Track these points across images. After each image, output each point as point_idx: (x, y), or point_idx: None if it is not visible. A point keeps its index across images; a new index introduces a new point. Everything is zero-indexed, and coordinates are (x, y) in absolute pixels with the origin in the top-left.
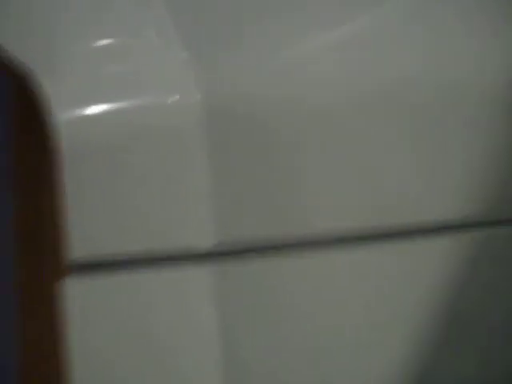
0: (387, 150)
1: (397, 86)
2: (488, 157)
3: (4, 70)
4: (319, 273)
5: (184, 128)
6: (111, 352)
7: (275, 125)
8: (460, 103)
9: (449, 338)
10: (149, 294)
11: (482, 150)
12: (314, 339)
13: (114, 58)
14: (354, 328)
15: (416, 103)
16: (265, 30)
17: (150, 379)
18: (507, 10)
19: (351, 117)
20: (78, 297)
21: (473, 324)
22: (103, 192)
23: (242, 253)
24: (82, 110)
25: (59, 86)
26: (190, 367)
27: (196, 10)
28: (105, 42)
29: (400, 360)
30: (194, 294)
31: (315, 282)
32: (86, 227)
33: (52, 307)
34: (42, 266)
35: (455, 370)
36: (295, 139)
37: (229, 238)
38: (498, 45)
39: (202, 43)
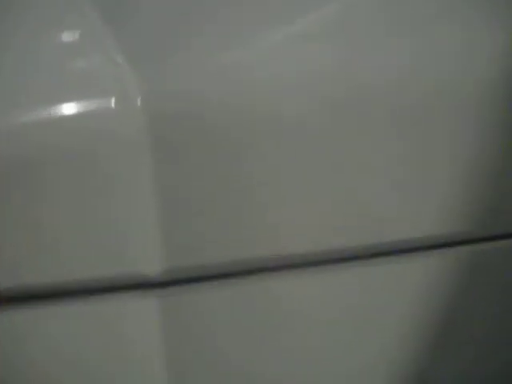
0: (361, 161)
1: (367, 88)
2: (474, 170)
3: None
4: (277, 299)
5: (124, 135)
6: None
7: (221, 128)
8: (445, 105)
9: (434, 352)
10: (85, 329)
11: (467, 162)
12: (267, 365)
13: (45, 60)
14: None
15: (388, 107)
16: (205, 28)
17: None
18: (490, 7)
19: (308, 121)
20: (6, 329)
21: (459, 336)
22: (30, 212)
23: (193, 281)
24: (2, 117)
25: None
26: None
27: (128, 11)
28: (35, 43)
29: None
30: (136, 326)
31: (272, 310)
32: (9, 254)
33: None
34: None
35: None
36: (245, 143)
37: (177, 264)
38: (484, 42)
39: (138, 46)
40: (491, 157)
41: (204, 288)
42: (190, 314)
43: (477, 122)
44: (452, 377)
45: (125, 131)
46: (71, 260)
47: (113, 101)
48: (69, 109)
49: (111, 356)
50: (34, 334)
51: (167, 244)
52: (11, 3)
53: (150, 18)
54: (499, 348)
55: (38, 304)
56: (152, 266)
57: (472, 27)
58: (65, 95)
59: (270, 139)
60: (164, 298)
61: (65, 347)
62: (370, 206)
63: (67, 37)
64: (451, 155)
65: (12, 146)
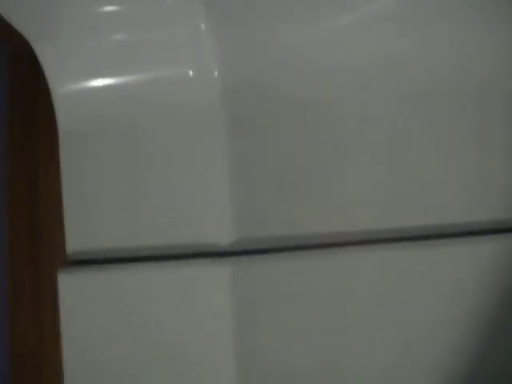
0: (420, 149)
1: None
2: None
3: (3, 39)
4: (339, 272)
5: (201, 105)
6: (104, 349)
7: (297, 103)
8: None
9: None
10: (159, 292)
11: None
12: (331, 339)
13: (121, 26)
14: (371, 327)
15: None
16: (279, 7)
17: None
18: None
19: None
20: (81, 291)
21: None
22: (107, 179)
23: (261, 252)
24: (84, 83)
25: (59, 56)
26: (202, 367)
27: None
28: (112, 7)
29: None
30: (208, 293)
31: (334, 282)
32: (87, 219)
33: (50, 300)
34: (39, 260)
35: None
36: (321, 117)
37: (247, 235)
38: None
39: (219, 16)
40: None
41: (272, 259)
42: (259, 284)
43: None
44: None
45: (201, 101)
46: (147, 227)
47: (191, 71)
48: (147, 76)
49: (182, 319)
50: (105, 297)
51: (238, 216)
52: None
53: None
54: None
55: (110, 268)
56: (223, 236)
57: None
58: (143, 62)
59: (342, 118)
60: (234, 267)
61: (138, 310)
62: (434, 187)
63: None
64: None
65: (98, 110)
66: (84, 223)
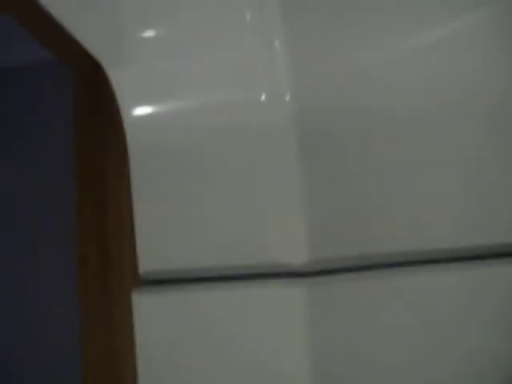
0: (486, 165)
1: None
2: None
3: (76, 62)
4: (409, 292)
5: (272, 130)
6: (183, 368)
7: (368, 124)
8: None
9: None
10: (231, 311)
11: None
12: (400, 354)
13: (192, 50)
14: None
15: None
16: (352, 34)
17: None
18: None
19: (434, 127)
20: (152, 310)
21: None
22: (176, 200)
23: (335, 272)
24: (154, 107)
25: (129, 79)
26: None
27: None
28: (181, 31)
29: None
30: (286, 312)
31: (408, 301)
32: (159, 240)
33: (119, 320)
34: (113, 279)
35: None
36: (394, 138)
37: (321, 256)
38: None
39: (295, 34)
40: None
41: (345, 279)
42: (333, 302)
43: None
44: None
45: (274, 123)
46: (220, 247)
47: (263, 95)
48: (221, 98)
49: (256, 339)
50: (178, 316)
51: (311, 238)
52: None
53: (314, 14)
54: None
55: (183, 288)
56: (298, 257)
57: None
58: (220, 85)
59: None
60: (309, 287)
61: (210, 330)
62: (500, 204)
63: (221, 20)
64: None
65: (167, 132)
66: (155, 244)
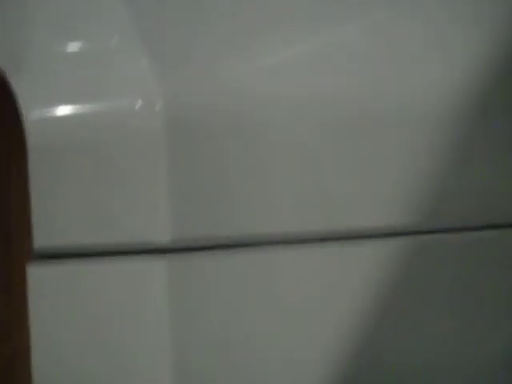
0: (334, 163)
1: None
2: (426, 169)
3: None
4: (270, 270)
5: (147, 132)
6: (65, 335)
7: (224, 134)
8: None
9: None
10: (103, 284)
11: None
12: (263, 336)
13: (81, 62)
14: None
15: (372, 121)
16: (221, 45)
17: (101, 363)
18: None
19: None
20: (39, 283)
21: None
22: (67, 188)
23: (198, 250)
24: (49, 111)
25: (29, 85)
26: (139, 356)
27: (159, 19)
28: (73, 46)
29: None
30: (148, 286)
31: (266, 279)
32: (49, 220)
33: (15, 292)
34: (5, 253)
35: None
36: (252, 137)
37: (185, 235)
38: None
39: (164, 52)
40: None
41: (206, 257)
42: (194, 280)
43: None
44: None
45: (148, 127)
46: (98, 226)
47: (140, 101)
48: (98, 107)
49: (123, 312)
50: (59, 290)
51: (176, 217)
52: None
53: (177, 28)
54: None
55: (67, 262)
56: (162, 235)
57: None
58: (95, 95)
59: (261, 145)
60: (171, 262)
61: (88, 302)
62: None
63: (101, 39)
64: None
65: (60, 132)
66: (49, 222)
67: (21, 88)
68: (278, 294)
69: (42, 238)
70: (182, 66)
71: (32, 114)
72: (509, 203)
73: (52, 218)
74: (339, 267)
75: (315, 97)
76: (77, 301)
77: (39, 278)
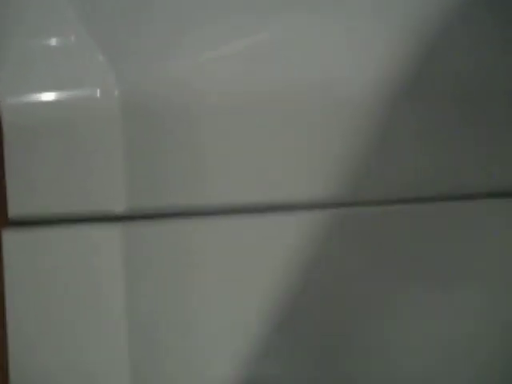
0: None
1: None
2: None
3: None
4: (217, 238)
5: (106, 115)
6: (35, 299)
7: (170, 119)
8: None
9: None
10: (65, 252)
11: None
12: (215, 302)
13: (50, 55)
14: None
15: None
16: (172, 36)
17: (58, 326)
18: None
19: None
20: (10, 249)
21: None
22: (38, 163)
23: (151, 218)
24: (22, 97)
25: (5, 75)
26: (95, 320)
27: (113, 19)
28: (42, 42)
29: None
30: (104, 252)
31: (216, 247)
32: (22, 191)
33: None
34: None
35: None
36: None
37: (138, 204)
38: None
39: (119, 48)
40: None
41: (155, 225)
42: (148, 246)
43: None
44: None
45: (105, 114)
46: (62, 196)
47: (97, 92)
48: (65, 94)
49: (80, 279)
50: (27, 256)
51: (130, 188)
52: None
53: (126, 22)
54: None
55: (38, 228)
56: (118, 204)
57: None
58: (60, 84)
59: (198, 125)
60: (125, 230)
61: (54, 268)
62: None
63: (59, 35)
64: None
65: (30, 117)
66: (23, 190)
67: None
68: (206, 263)
69: (16, 207)
70: (134, 59)
71: (8, 99)
72: (431, 177)
73: (25, 189)
74: (265, 238)
75: (251, 83)
76: (41, 267)
77: (13, 243)
